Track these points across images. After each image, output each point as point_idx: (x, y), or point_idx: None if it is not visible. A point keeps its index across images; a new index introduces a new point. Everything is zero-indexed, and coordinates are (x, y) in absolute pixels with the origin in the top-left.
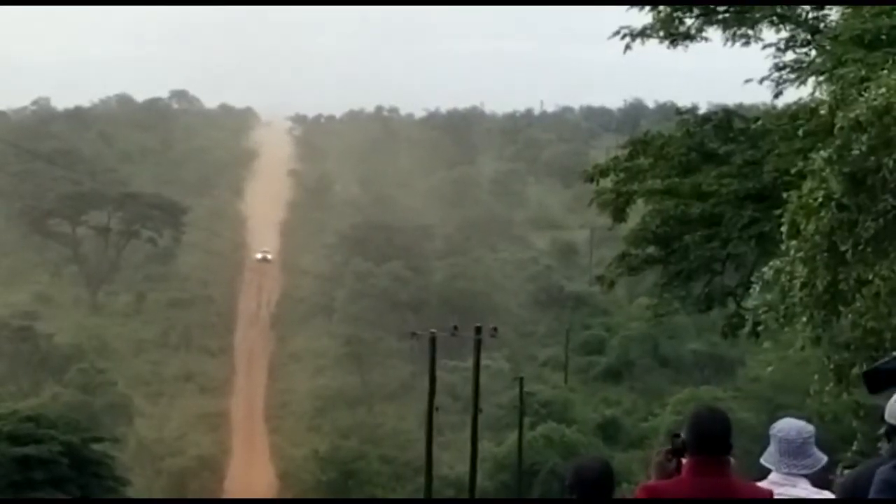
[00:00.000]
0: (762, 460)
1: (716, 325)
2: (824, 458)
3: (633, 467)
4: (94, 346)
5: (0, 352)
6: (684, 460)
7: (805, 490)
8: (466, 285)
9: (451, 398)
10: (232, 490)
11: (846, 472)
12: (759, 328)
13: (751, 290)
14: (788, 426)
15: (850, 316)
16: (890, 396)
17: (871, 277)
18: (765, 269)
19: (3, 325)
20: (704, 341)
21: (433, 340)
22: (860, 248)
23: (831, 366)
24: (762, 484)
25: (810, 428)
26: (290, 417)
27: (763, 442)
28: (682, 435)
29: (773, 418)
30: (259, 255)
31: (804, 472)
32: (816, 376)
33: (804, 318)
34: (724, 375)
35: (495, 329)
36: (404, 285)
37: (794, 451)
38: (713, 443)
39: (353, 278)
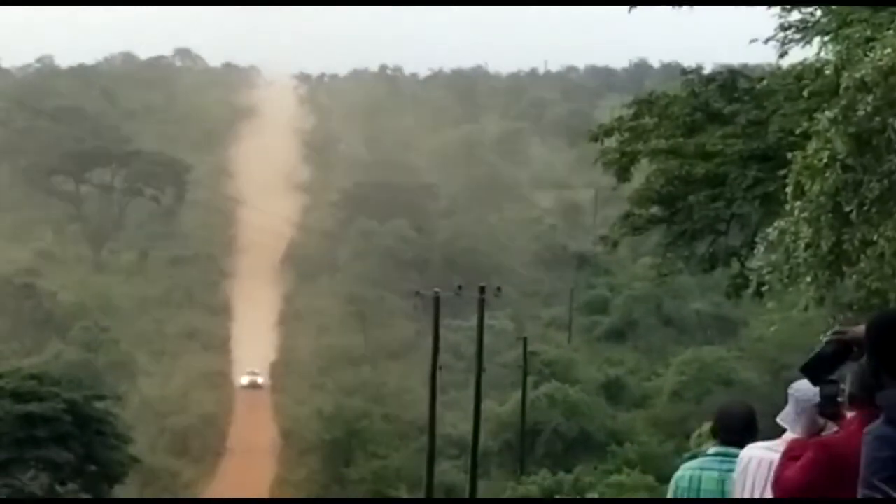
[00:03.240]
0: (778, 419)
1: (720, 286)
2: (834, 429)
3: (636, 427)
4: (97, 304)
5: (3, 309)
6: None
7: None
8: (470, 244)
9: (454, 357)
10: (235, 449)
11: None
12: (763, 288)
13: (755, 251)
14: (806, 388)
15: (854, 277)
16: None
17: (875, 238)
18: (769, 229)
19: (6, 282)
20: (708, 301)
21: (437, 300)
22: (865, 208)
23: (835, 326)
24: (773, 442)
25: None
26: (293, 376)
27: (768, 401)
28: (844, 386)
29: (777, 378)
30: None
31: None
32: (822, 337)
33: (808, 279)
34: (727, 335)
35: (499, 288)
36: (408, 244)
37: (807, 410)
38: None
39: (356, 236)
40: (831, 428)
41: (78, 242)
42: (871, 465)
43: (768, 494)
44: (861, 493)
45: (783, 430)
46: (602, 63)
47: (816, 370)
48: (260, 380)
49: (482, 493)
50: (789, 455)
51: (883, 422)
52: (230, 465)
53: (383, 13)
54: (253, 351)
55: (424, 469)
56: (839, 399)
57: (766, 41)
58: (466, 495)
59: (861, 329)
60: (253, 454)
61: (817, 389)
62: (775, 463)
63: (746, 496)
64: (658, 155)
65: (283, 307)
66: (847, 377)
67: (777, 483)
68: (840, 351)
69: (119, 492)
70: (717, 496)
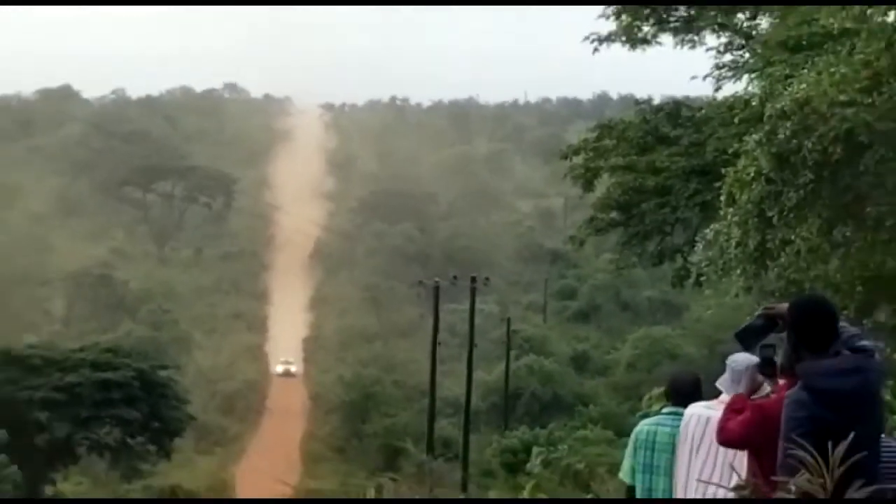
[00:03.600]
0: (717, 383)
1: (666, 277)
2: (769, 388)
3: (598, 391)
4: (160, 291)
5: (85, 296)
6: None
7: None
8: (464, 242)
9: (451, 335)
10: (273, 408)
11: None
12: (702, 279)
13: (695, 248)
14: (740, 359)
15: (775, 269)
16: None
17: (793, 238)
18: (707, 230)
19: (87, 273)
20: (657, 289)
21: (436, 288)
22: (784, 214)
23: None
24: (713, 402)
25: (755, 360)
26: (320, 350)
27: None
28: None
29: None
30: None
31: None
32: (748, 318)
33: (738, 271)
34: (672, 317)
35: (487, 279)
36: (413, 242)
37: (739, 377)
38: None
39: (371, 236)
40: (765, 389)
41: (145, 241)
42: (789, 423)
43: (706, 444)
44: (782, 446)
45: (720, 392)
46: (571, 95)
47: (747, 337)
48: (293, 368)
49: (473, 446)
50: (732, 408)
51: (800, 388)
52: (269, 422)
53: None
54: (287, 330)
55: (426, 425)
56: (775, 360)
57: (705, 77)
58: (461, 447)
59: (785, 307)
60: (287, 413)
61: (751, 359)
62: (712, 419)
63: (687, 446)
64: (616, 170)
65: (312, 294)
66: (780, 351)
67: (721, 432)
68: (767, 323)
69: (178, 444)
70: (670, 447)
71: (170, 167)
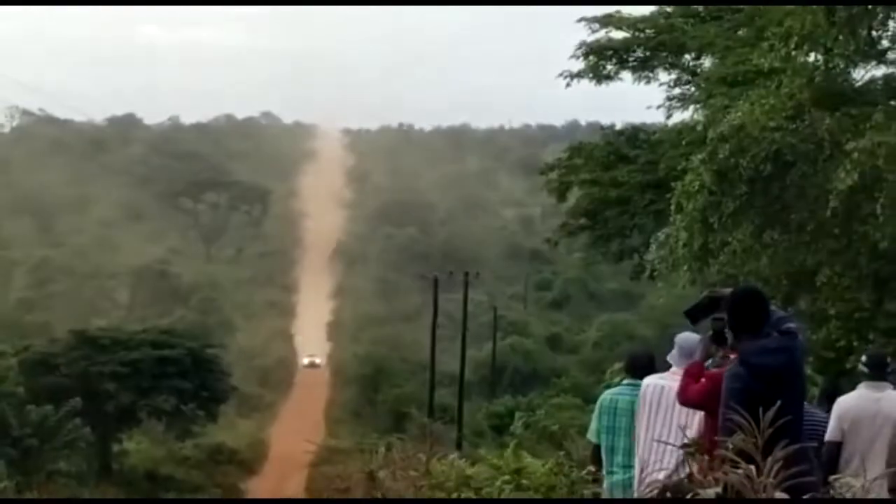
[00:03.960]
0: (668, 358)
1: (626, 271)
2: (710, 361)
3: (570, 366)
4: (208, 283)
5: (145, 287)
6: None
7: None
8: (458, 243)
9: (447, 320)
10: (301, 381)
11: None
12: (655, 273)
13: (650, 248)
14: (687, 337)
15: (716, 266)
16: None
17: (730, 240)
18: (659, 234)
19: (147, 269)
20: (618, 282)
21: (435, 281)
22: (723, 220)
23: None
24: (666, 373)
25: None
26: (340, 332)
27: (657, 349)
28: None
29: (664, 334)
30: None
31: None
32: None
33: (685, 267)
34: (631, 305)
35: (478, 273)
36: (416, 243)
37: (687, 353)
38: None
39: (382, 238)
40: (718, 353)
41: (195, 242)
42: (728, 392)
43: (662, 409)
44: (721, 412)
45: (670, 366)
46: (547, 122)
47: (695, 314)
48: (318, 360)
49: (466, 411)
50: (690, 372)
51: (737, 363)
52: (297, 392)
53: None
54: (313, 316)
55: (427, 394)
56: (725, 331)
57: (658, 107)
58: (456, 412)
59: (726, 291)
60: (312, 384)
61: (694, 338)
62: (666, 387)
63: (646, 411)
64: (585, 184)
65: (333, 286)
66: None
67: (681, 394)
68: (711, 303)
69: (223, 409)
70: (629, 412)
71: (216, 181)
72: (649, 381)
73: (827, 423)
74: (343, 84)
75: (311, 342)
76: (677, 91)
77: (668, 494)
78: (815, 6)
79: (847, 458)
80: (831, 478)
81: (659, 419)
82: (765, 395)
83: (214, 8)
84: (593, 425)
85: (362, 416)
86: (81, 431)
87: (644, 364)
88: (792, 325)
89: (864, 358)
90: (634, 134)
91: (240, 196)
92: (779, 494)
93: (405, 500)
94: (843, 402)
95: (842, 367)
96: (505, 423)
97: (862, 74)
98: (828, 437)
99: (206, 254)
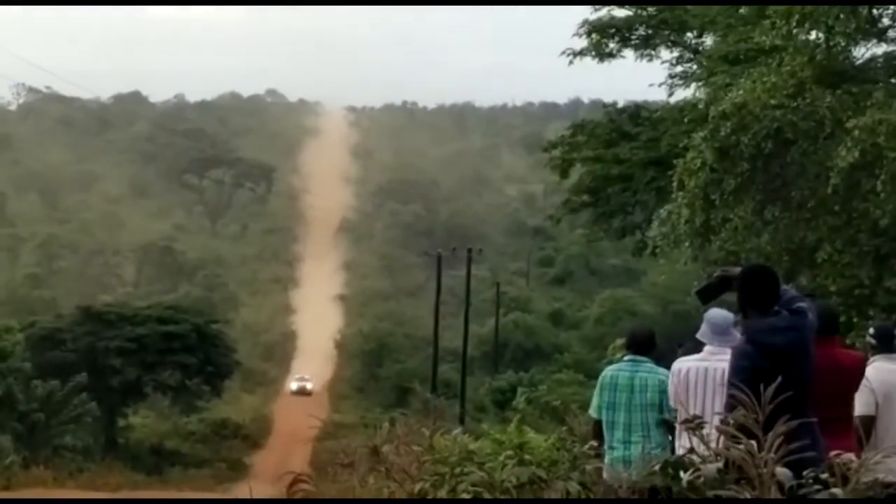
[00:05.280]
0: (698, 336)
1: (628, 248)
2: (739, 336)
3: (571, 342)
4: (213, 260)
5: (151, 263)
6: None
7: (729, 355)
8: (462, 220)
9: (451, 296)
10: (306, 351)
11: None
12: (657, 250)
13: (651, 225)
14: (717, 314)
15: (717, 242)
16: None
17: (731, 217)
18: (661, 210)
19: (153, 245)
20: (620, 258)
21: (439, 257)
22: (724, 197)
23: (704, 275)
24: (701, 354)
25: (731, 316)
26: (344, 306)
27: (659, 326)
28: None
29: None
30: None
31: (728, 345)
32: (695, 282)
33: (687, 244)
34: (633, 281)
35: (481, 250)
36: (420, 220)
37: (721, 331)
38: (828, 326)
39: (387, 215)
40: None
41: (201, 219)
42: (734, 370)
43: (710, 392)
44: (727, 389)
45: (675, 344)
46: (550, 99)
47: (706, 294)
48: (309, 385)
49: (469, 386)
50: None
51: (745, 341)
52: (301, 366)
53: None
54: (318, 291)
55: (430, 369)
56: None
57: (660, 85)
58: (459, 388)
59: (737, 271)
60: (317, 359)
61: (724, 315)
62: (710, 368)
63: (692, 397)
64: (587, 161)
65: (338, 262)
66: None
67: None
68: (723, 283)
69: (227, 384)
70: (629, 388)
71: (221, 158)
72: (681, 364)
73: None
74: (348, 62)
75: (316, 315)
76: (679, 69)
77: (670, 470)
78: None
79: (882, 432)
80: (864, 455)
81: (707, 401)
82: (772, 374)
83: None
84: (595, 401)
85: (366, 391)
86: (87, 406)
87: (645, 340)
88: (803, 304)
89: (871, 331)
90: (636, 111)
91: (245, 173)
92: (780, 469)
93: (411, 500)
94: (874, 376)
95: (842, 343)
96: (507, 398)
97: (863, 52)
98: (862, 411)
99: (211, 230)
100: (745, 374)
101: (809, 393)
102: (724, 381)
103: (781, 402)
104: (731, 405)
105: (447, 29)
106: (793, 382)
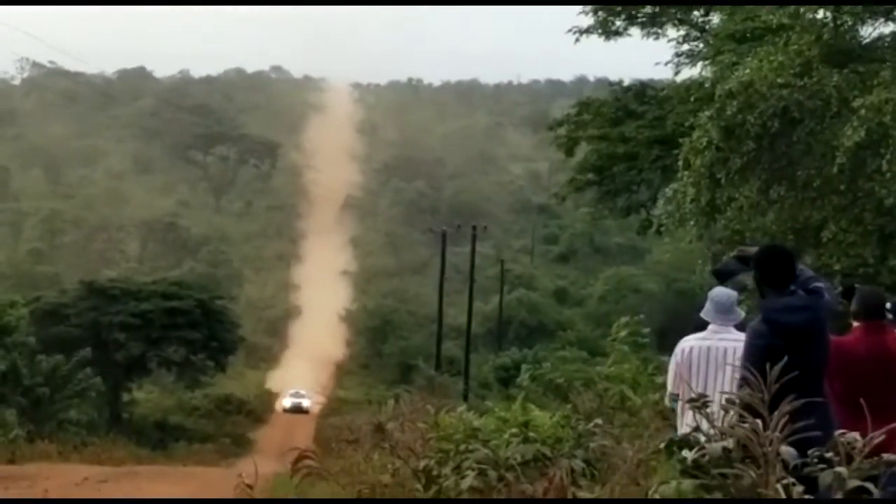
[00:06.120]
0: (702, 314)
1: (633, 226)
2: (743, 314)
3: (575, 319)
4: (217, 236)
5: (155, 239)
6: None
7: (733, 334)
8: (466, 198)
9: (455, 273)
10: (309, 327)
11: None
12: (662, 228)
13: (657, 203)
14: (721, 292)
15: (722, 221)
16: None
17: (737, 196)
18: (666, 189)
19: (157, 221)
20: (625, 237)
21: (444, 234)
22: (730, 176)
23: (709, 254)
24: (705, 333)
25: (735, 294)
26: (347, 281)
27: (662, 303)
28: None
29: (669, 288)
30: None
31: (731, 323)
32: (699, 261)
33: (692, 222)
34: (637, 259)
35: (485, 227)
36: (425, 197)
37: (724, 309)
38: (876, 311)
39: (391, 192)
40: (741, 314)
41: (205, 195)
42: (749, 349)
43: (713, 371)
44: (742, 370)
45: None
46: (556, 77)
47: (723, 274)
48: (305, 402)
49: (473, 363)
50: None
51: (760, 320)
52: (306, 343)
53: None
54: (322, 267)
55: (434, 346)
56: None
57: (666, 63)
58: (463, 365)
59: (755, 250)
60: (321, 335)
61: (728, 293)
62: (713, 347)
63: (695, 375)
64: (592, 139)
65: (342, 239)
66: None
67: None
68: (740, 261)
69: (231, 360)
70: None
71: (225, 134)
72: (691, 341)
73: None
74: (353, 39)
75: (319, 291)
76: (686, 47)
77: (674, 449)
78: None
79: None
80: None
81: (710, 380)
82: (785, 353)
83: None
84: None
85: (370, 367)
86: (92, 381)
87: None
88: (820, 284)
89: (888, 305)
90: (642, 90)
91: (249, 149)
92: (784, 448)
93: (416, 500)
94: None
95: (845, 322)
96: (511, 375)
97: (870, 31)
98: None
99: (215, 206)
100: (760, 353)
101: (823, 373)
102: (728, 359)
103: (794, 381)
104: (745, 384)
105: (452, 6)
106: (807, 362)
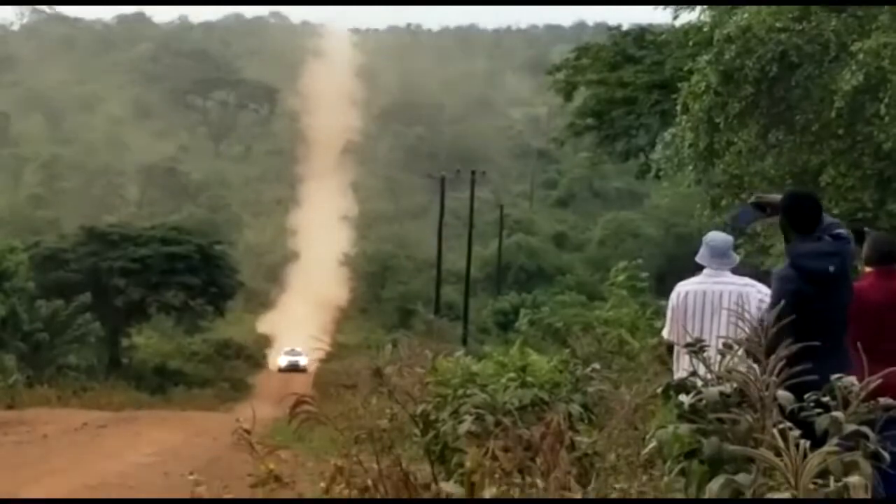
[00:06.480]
0: (697, 259)
1: (631, 171)
2: (738, 258)
3: (574, 264)
4: (216, 181)
5: (155, 184)
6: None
7: (728, 277)
8: (466, 143)
9: (454, 218)
10: (308, 270)
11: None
12: (660, 173)
13: (655, 148)
14: (716, 236)
15: (721, 166)
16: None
17: (735, 140)
18: (665, 134)
19: (157, 166)
20: (623, 181)
21: (443, 179)
22: (728, 120)
23: (708, 199)
24: (700, 277)
25: (730, 238)
26: (346, 226)
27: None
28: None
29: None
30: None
31: (727, 267)
32: (698, 205)
33: (690, 167)
34: (636, 204)
35: (484, 172)
36: (425, 142)
37: (720, 253)
38: (887, 256)
39: (391, 137)
40: (735, 259)
41: (204, 140)
42: (777, 294)
43: (708, 315)
44: (766, 315)
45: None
46: (555, 22)
47: (742, 220)
48: (302, 360)
49: (472, 308)
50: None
51: (787, 265)
52: (305, 288)
53: None
54: (322, 213)
55: (433, 291)
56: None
57: (665, 8)
58: (462, 309)
59: (773, 197)
60: (320, 280)
61: (724, 238)
62: (708, 292)
63: (690, 319)
64: (591, 84)
65: (342, 184)
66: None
67: None
68: (758, 208)
69: (231, 305)
70: None
71: (225, 80)
72: (686, 286)
73: None
74: None
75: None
76: None
77: (671, 393)
78: None
79: None
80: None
81: (706, 324)
82: (814, 298)
83: None
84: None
85: (369, 312)
86: (91, 326)
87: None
88: (842, 230)
89: None
90: (641, 35)
91: (248, 94)
92: (781, 393)
93: (415, 500)
94: None
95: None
96: (510, 319)
97: None
98: None
99: (214, 151)
100: (789, 298)
101: (847, 319)
102: (724, 303)
103: (820, 327)
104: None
105: None
106: (833, 308)
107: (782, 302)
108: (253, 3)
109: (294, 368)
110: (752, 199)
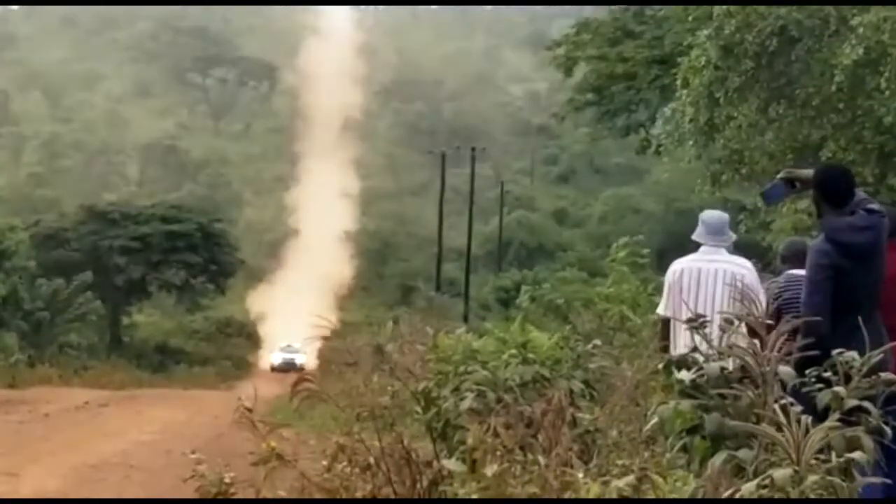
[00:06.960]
0: (693, 237)
1: (632, 146)
2: (734, 237)
3: (575, 240)
4: (216, 158)
5: (155, 162)
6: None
7: (724, 256)
8: (466, 119)
9: (455, 194)
10: (309, 247)
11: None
12: (661, 148)
13: (655, 123)
14: (712, 214)
15: (721, 141)
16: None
17: (735, 115)
18: (665, 109)
19: (157, 144)
20: (624, 156)
21: (443, 156)
22: (729, 95)
23: (708, 174)
24: (696, 255)
25: (726, 216)
26: (347, 204)
27: (661, 223)
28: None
29: (668, 208)
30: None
31: (722, 245)
32: (698, 181)
33: (690, 142)
34: (636, 179)
35: (484, 148)
36: (425, 119)
37: (715, 231)
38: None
39: (391, 113)
40: (731, 238)
41: (204, 118)
42: (814, 268)
43: (703, 292)
44: (807, 289)
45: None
46: None
47: (771, 196)
48: (299, 357)
49: (473, 284)
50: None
51: (823, 240)
52: (306, 266)
53: None
54: (322, 190)
55: (434, 268)
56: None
57: None
58: (463, 286)
59: (803, 172)
60: (321, 257)
61: (719, 215)
62: (703, 269)
63: (685, 295)
64: (591, 59)
65: (342, 161)
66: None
67: None
68: (787, 184)
69: (231, 283)
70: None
71: (224, 57)
72: (682, 263)
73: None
74: None
75: (318, 211)
76: None
77: (673, 369)
78: None
79: None
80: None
81: (700, 301)
82: (850, 272)
83: None
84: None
85: (370, 289)
86: (92, 305)
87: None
88: (874, 205)
89: None
90: (641, 10)
91: (248, 72)
92: (783, 368)
93: (414, 500)
94: None
95: None
96: (511, 296)
97: None
98: None
99: (214, 129)
100: (826, 272)
101: (880, 293)
102: (719, 281)
103: (855, 301)
104: (814, 304)
105: None
106: (868, 282)
107: (818, 275)
108: (253, 3)
109: (290, 367)
110: (782, 174)
